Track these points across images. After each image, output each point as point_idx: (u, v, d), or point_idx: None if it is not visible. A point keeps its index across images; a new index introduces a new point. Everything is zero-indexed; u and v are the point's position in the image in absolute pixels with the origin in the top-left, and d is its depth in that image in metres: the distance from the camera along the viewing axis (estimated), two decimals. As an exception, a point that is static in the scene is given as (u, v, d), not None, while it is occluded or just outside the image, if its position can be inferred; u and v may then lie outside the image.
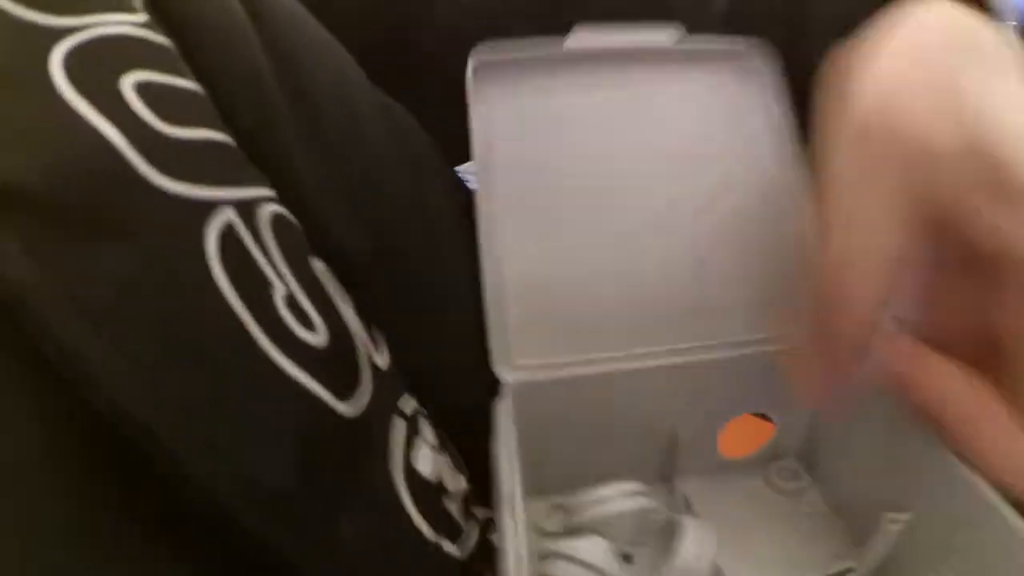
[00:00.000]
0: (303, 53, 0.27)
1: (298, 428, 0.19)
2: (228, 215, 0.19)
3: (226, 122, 0.21)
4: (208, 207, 0.18)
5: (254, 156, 0.22)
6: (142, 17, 0.20)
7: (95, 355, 0.15)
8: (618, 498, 0.29)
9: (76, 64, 0.17)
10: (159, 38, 0.20)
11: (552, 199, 0.29)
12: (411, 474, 0.25)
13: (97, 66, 0.17)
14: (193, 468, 0.16)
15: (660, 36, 0.30)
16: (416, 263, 0.30)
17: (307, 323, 0.21)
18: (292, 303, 0.20)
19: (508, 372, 0.29)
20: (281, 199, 0.22)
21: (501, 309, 0.30)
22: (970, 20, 0.24)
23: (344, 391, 0.22)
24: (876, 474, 0.24)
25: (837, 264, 0.24)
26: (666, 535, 0.28)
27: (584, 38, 0.29)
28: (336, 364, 0.22)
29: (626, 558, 0.29)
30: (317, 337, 0.21)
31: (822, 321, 0.25)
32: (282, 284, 0.20)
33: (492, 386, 0.29)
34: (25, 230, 0.15)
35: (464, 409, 0.29)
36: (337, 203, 0.26)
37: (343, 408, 0.21)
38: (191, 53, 0.21)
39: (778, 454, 0.34)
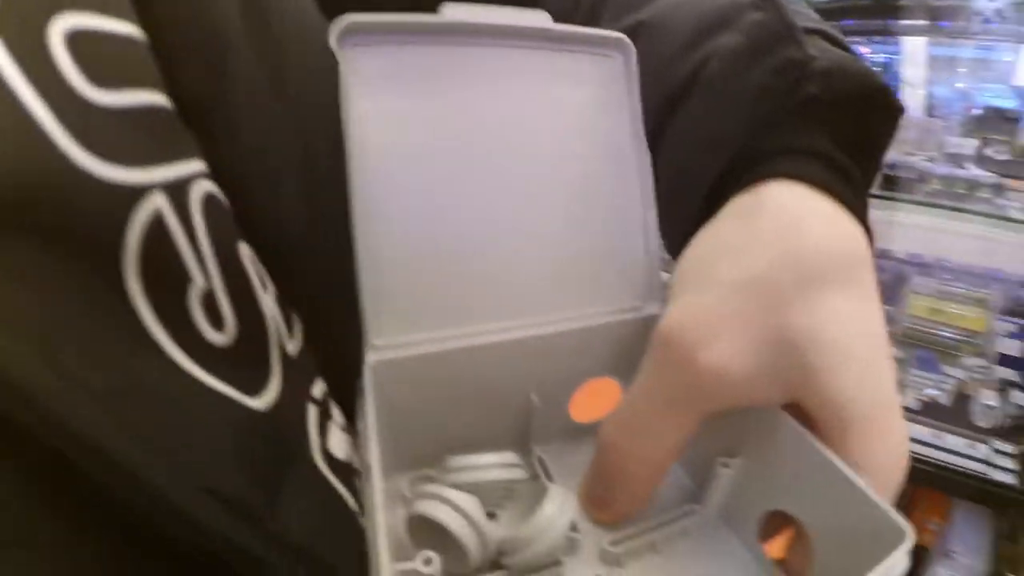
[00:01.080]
0: None
1: (224, 431, 0.19)
2: (156, 202, 0.17)
3: (165, 71, 0.19)
4: (136, 194, 0.16)
5: (193, 116, 0.20)
6: None
7: (34, 375, 0.13)
8: (492, 467, 0.30)
9: None
10: None
11: (411, 176, 0.29)
12: (329, 458, 0.25)
13: (24, 3, 0.15)
14: (154, 485, 0.15)
15: (531, 18, 0.30)
16: (338, 235, 0.29)
17: (217, 322, 0.20)
18: (208, 300, 0.19)
19: (368, 351, 0.29)
20: (217, 168, 0.20)
21: (362, 291, 0.29)
22: (810, 219, 0.26)
23: (253, 387, 0.21)
24: (712, 427, 0.27)
25: (623, 452, 0.28)
26: (528, 497, 0.30)
27: (456, 12, 0.28)
28: (243, 361, 0.21)
29: (489, 515, 0.30)
30: (224, 336, 0.20)
31: (603, 488, 0.30)
32: (203, 278, 0.19)
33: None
34: None
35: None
36: (285, 171, 0.25)
37: (256, 403, 0.21)
38: None
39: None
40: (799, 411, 0.26)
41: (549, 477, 0.32)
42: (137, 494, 0.15)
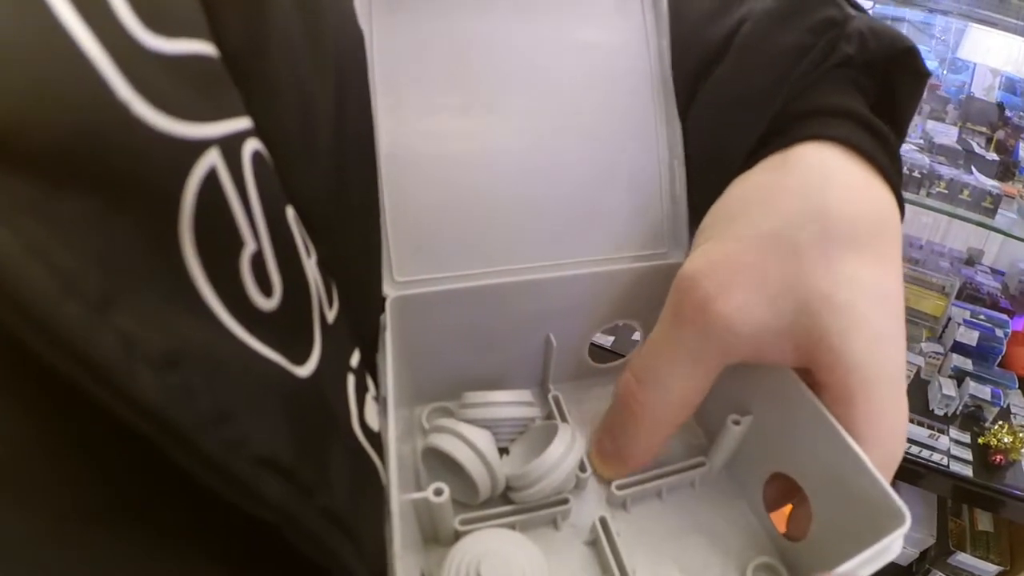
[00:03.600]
0: None
1: (276, 400, 0.18)
2: (212, 158, 0.16)
3: (211, 23, 0.17)
4: (194, 149, 0.15)
5: (234, 70, 0.18)
6: None
7: (96, 339, 0.12)
8: (507, 405, 0.31)
9: None
10: None
11: (438, 121, 0.29)
12: (366, 429, 0.25)
13: None
14: (214, 455, 0.15)
15: None
16: (365, 199, 0.29)
17: (265, 286, 0.19)
18: (257, 262, 0.18)
19: (390, 287, 0.30)
20: (257, 126, 0.19)
21: (385, 231, 0.30)
22: (839, 179, 0.26)
23: (298, 355, 0.20)
24: (727, 384, 0.27)
25: (639, 403, 0.28)
26: (541, 435, 0.31)
27: None
28: (288, 328, 0.20)
29: (503, 451, 0.31)
30: (270, 302, 0.19)
31: (613, 441, 0.30)
32: (253, 240, 0.18)
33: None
34: None
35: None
36: (320, 130, 0.24)
37: (301, 372, 0.20)
38: None
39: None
40: (813, 382, 0.25)
41: (563, 417, 0.33)
42: (195, 463, 0.15)
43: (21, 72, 0.11)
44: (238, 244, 0.17)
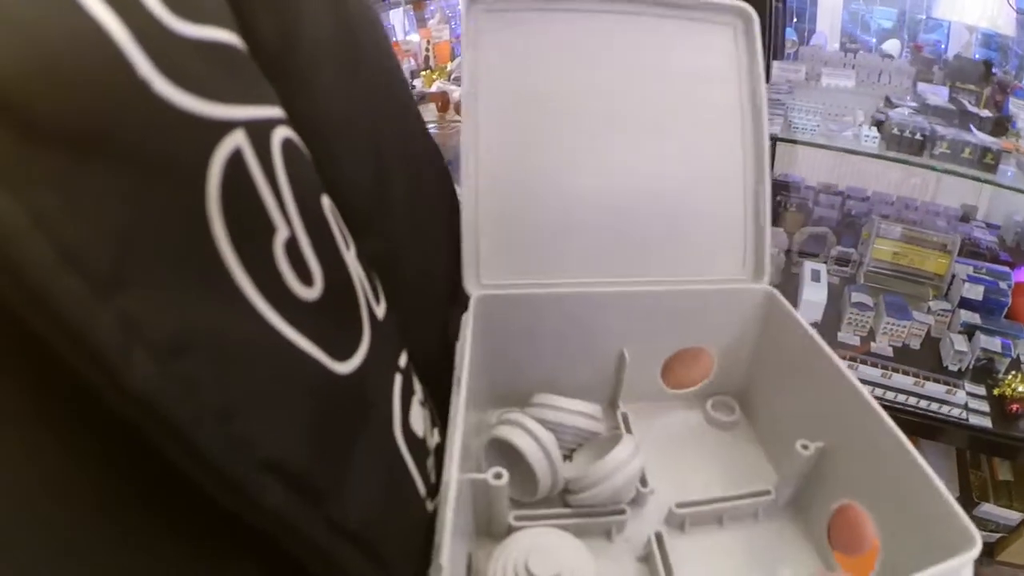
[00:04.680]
0: None
1: (301, 396, 0.17)
2: (237, 139, 0.16)
3: (241, 22, 0.18)
4: (218, 129, 0.15)
5: (270, 69, 0.19)
6: None
7: (93, 318, 0.12)
8: (576, 414, 0.31)
9: None
10: None
11: (533, 131, 0.31)
12: (408, 435, 0.24)
13: None
14: (208, 454, 0.14)
15: None
16: (409, 201, 0.29)
17: (304, 274, 0.18)
18: (292, 249, 0.18)
19: (475, 288, 0.32)
20: (292, 123, 0.19)
21: (475, 234, 0.31)
22: None
23: (342, 349, 0.20)
24: (799, 413, 0.27)
25: None
26: (603, 446, 0.31)
27: None
28: (332, 321, 0.20)
29: (564, 457, 0.31)
30: (311, 291, 0.19)
31: None
32: (286, 226, 0.18)
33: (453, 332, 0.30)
34: None
35: (431, 356, 0.29)
36: (356, 135, 0.25)
37: (341, 369, 0.19)
38: None
39: (717, 391, 0.37)
40: None
41: (630, 432, 0.33)
42: (189, 460, 0.14)
43: (43, 49, 0.12)
44: (269, 229, 0.17)
